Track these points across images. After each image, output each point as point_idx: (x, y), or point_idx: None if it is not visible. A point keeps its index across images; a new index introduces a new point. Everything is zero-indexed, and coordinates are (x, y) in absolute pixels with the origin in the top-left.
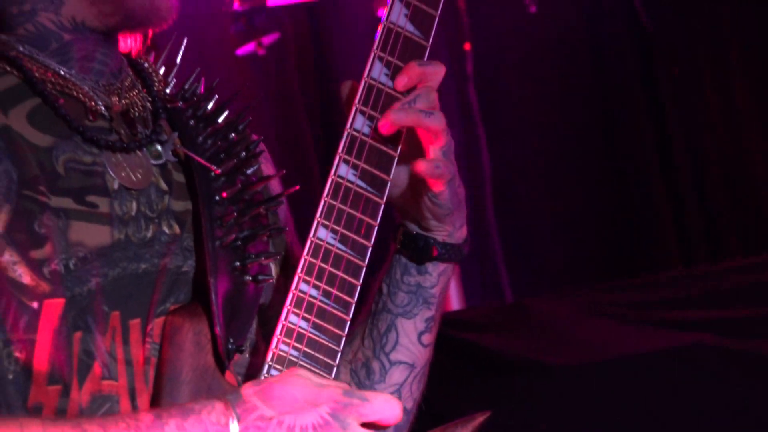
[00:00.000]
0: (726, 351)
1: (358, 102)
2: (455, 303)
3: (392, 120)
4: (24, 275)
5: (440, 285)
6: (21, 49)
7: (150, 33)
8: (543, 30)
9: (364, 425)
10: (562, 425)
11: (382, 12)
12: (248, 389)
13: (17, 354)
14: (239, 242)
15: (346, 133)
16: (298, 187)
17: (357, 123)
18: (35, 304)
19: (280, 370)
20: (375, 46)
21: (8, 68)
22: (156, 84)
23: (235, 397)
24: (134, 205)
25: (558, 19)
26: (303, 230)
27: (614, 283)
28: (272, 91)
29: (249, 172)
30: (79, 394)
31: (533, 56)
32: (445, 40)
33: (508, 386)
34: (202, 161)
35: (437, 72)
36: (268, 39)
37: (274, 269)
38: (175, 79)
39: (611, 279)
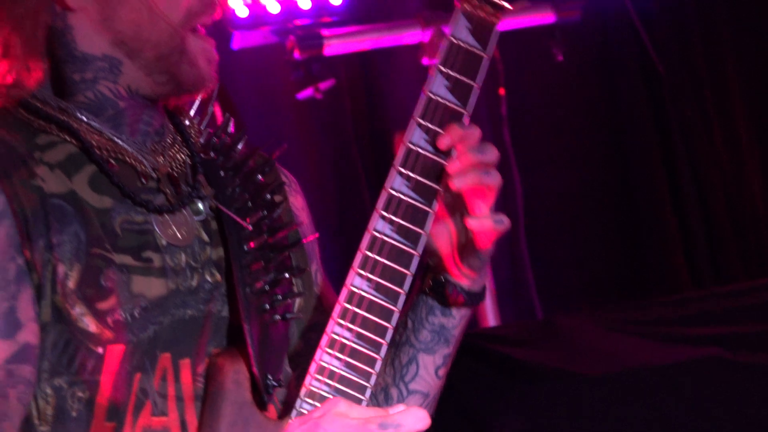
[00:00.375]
0: (735, 363)
1: (398, 164)
2: (492, 320)
3: (457, 185)
4: (90, 324)
5: (461, 326)
6: (79, 116)
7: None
8: (568, 76)
9: None
10: (587, 427)
11: (426, 60)
12: (296, 429)
13: (80, 393)
14: (267, 286)
15: (385, 192)
16: (317, 235)
17: (396, 183)
18: (100, 350)
19: (311, 405)
20: (416, 114)
21: (67, 138)
22: (193, 136)
23: None
24: (183, 256)
25: (581, 66)
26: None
27: (633, 302)
28: (328, 131)
29: (275, 214)
30: (132, 428)
31: (559, 100)
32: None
33: (539, 393)
34: (234, 216)
35: (475, 134)
36: (324, 85)
37: (297, 303)
38: (210, 129)
39: (630, 298)
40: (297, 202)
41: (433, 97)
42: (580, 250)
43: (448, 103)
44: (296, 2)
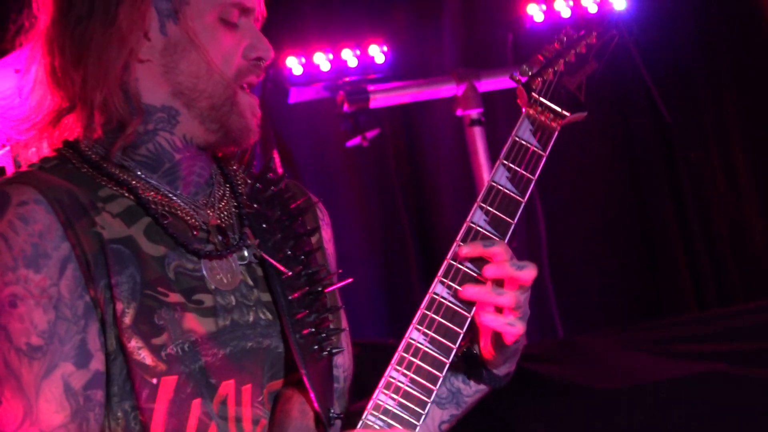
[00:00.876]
0: (736, 377)
1: (459, 239)
2: None
3: (468, 295)
4: (146, 357)
5: (474, 397)
6: (139, 173)
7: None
8: (588, 126)
9: None
10: (608, 430)
11: (460, 111)
12: None
13: (141, 418)
14: (312, 329)
15: (446, 263)
16: (351, 280)
17: (455, 256)
18: (155, 380)
19: None
20: (479, 198)
21: (125, 193)
22: (239, 184)
23: None
24: (232, 298)
25: (599, 117)
26: (398, 306)
27: (645, 323)
28: (373, 174)
29: (312, 260)
30: None
31: (579, 146)
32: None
33: (561, 405)
34: (278, 264)
35: (503, 252)
36: (370, 134)
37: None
38: (254, 171)
39: (642, 320)
40: (326, 234)
41: (494, 185)
42: (597, 276)
43: (507, 191)
44: (345, 61)
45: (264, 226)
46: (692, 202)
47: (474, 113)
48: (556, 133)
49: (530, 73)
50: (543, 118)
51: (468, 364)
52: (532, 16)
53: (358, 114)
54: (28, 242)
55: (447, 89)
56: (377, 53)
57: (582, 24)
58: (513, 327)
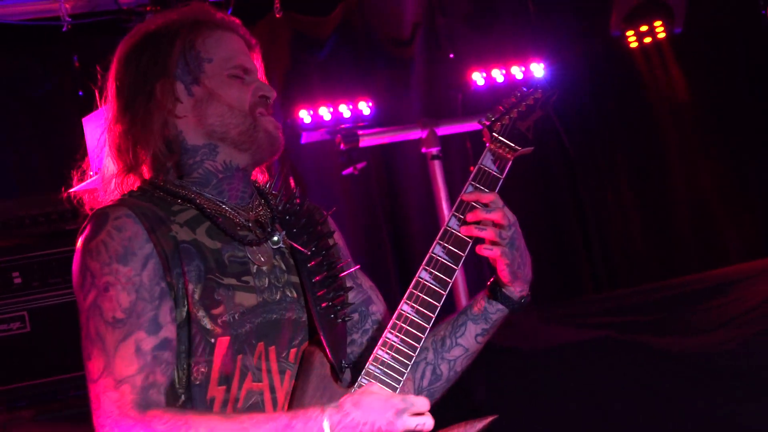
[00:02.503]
0: (621, 341)
1: (438, 239)
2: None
3: (465, 232)
4: (207, 323)
5: (497, 315)
6: (194, 189)
7: (269, 163)
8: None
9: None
10: (528, 380)
11: (424, 149)
12: (346, 400)
13: (202, 369)
14: (329, 303)
15: (428, 255)
16: (359, 267)
17: (436, 250)
18: (213, 340)
19: (367, 379)
20: (453, 209)
21: (188, 204)
22: (271, 200)
23: (335, 405)
24: (266, 280)
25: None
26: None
27: (556, 302)
28: (361, 195)
29: (330, 253)
30: (238, 391)
31: (508, 173)
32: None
33: (494, 361)
34: (300, 248)
35: (493, 199)
36: (360, 165)
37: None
38: (283, 198)
39: (553, 300)
40: (337, 237)
41: (465, 200)
42: None
43: (474, 204)
44: (341, 113)
45: (294, 230)
46: (591, 216)
47: (434, 150)
48: (511, 162)
49: (493, 119)
50: (501, 151)
51: (492, 287)
52: (475, 81)
53: (351, 151)
54: (120, 245)
55: (415, 133)
56: (365, 107)
57: (532, 84)
58: (490, 251)
